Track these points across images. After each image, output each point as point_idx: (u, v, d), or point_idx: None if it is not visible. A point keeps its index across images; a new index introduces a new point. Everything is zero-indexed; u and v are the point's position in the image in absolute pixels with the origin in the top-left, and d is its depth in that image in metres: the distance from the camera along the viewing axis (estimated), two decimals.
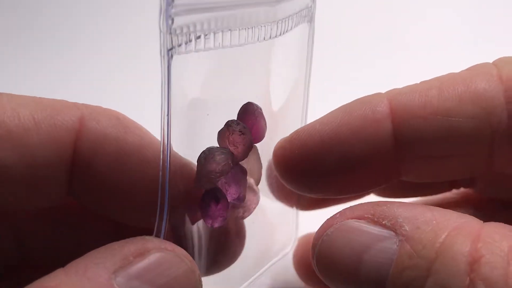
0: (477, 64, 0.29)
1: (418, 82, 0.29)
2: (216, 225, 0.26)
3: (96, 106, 0.27)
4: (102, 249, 0.24)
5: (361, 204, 0.26)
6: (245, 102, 0.27)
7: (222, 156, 0.25)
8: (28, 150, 0.25)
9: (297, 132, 0.29)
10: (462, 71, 0.28)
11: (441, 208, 0.24)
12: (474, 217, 0.23)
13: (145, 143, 0.26)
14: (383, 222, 0.24)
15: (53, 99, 0.26)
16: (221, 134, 0.26)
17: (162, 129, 0.23)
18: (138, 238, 0.25)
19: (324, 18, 0.34)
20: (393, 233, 0.23)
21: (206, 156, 0.25)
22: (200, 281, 0.25)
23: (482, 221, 0.23)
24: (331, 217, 0.26)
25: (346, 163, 0.28)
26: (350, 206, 0.26)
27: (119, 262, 0.23)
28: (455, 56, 0.30)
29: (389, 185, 0.30)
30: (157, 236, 0.25)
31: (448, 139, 0.27)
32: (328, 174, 0.28)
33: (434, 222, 0.23)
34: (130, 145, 0.26)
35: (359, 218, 0.25)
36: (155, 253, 0.24)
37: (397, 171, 0.29)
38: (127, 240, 0.24)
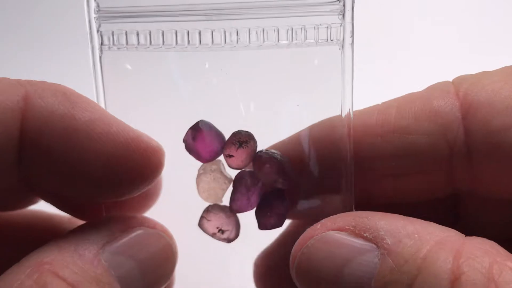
0: (435, 83, 0.28)
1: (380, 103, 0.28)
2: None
3: (41, 82, 0.25)
4: (90, 224, 0.26)
5: (343, 214, 0.25)
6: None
7: None
8: None
9: None
10: (420, 90, 0.28)
11: (423, 221, 0.23)
12: (456, 231, 0.23)
13: (94, 118, 0.25)
14: (365, 235, 0.23)
15: None
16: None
17: None
18: (122, 215, 0.27)
19: None
20: (375, 246, 0.23)
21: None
22: (177, 253, 0.28)
23: (464, 235, 0.22)
24: (311, 228, 0.26)
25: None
26: (331, 217, 0.26)
27: (106, 238, 0.25)
28: (454, 62, 0.27)
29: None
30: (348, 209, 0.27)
31: (406, 156, 0.27)
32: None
33: (416, 235, 0.22)
34: (79, 121, 0.24)
35: (340, 229, 0.24)
36: (137, 230, 0.26)
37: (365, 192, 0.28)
38: (111, 216, 0.27)
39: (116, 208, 0.29)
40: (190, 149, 0.29)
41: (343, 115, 0.27)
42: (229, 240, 0.30)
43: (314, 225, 0.25)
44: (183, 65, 0.29)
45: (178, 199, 0.31)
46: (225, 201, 0.30)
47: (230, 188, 0.30)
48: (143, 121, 0.29)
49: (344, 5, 0.26)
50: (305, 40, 0.27)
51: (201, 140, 0.28)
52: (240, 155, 0.28)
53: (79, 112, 0.25)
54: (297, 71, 0.28)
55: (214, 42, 0.28)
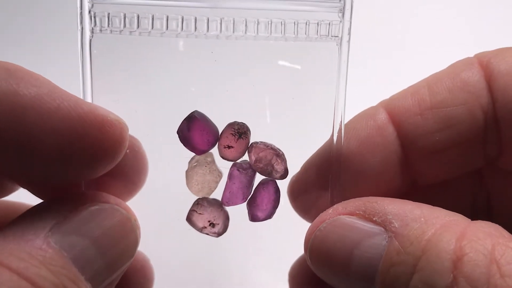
0: (457, 61, 0.30)
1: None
2: None
3: None
4: (37, 207, 0.24)
5: (354, 200, 0.26)
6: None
7: None
8: None
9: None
10: (444, 68, 0.30)
11: (430, 206, 0.25)
12: (462, 215, 0.24)
13: (42, 93, 0.23)
14: (374, 219, 0.24)
15: None
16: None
17: None
18: (72, 194, 0.25)
19: None
20: (383, 230, 0.24)
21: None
22: (137, 226, 0.26)
23: (469, 220, 0.24)
24: (324, 212, 0.27)
25: (360, 175, 0.29)
26: (343, 202, 0.27)
27: (54, 220, 0.23)
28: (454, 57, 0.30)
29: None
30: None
31: (446, 129, 0.28)
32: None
33: (423, 219, 0.23)
34: (25, 97, 0.23)
35: (351, 214, 0.25)
36: (89, 207, 0.25)
37: (410, 175, 0.29)
38: (62, 197, 0.25)
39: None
40: (185, 140, 0.28)
41: (336, 110, 0.28)
42: (218, 234, 0.29)
43: (327, 210, 0.26)
44: (176, 52, 0.28)
45: (163, 193, 0.30)
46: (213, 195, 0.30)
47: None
48: (130, 107, 0.28)
49: (344, 4, 0.27)
50: (308, 35, 0.27)
51: (197, 130, 0.28)
52: (239, 146, 0.28)
53: (24, 87, 0.23)
54: (294, 64, 0.29)
55: (210, 30, 0.27)
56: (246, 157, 0.29)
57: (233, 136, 0.28)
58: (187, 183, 0.29)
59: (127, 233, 0.26)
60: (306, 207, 0.30)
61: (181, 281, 0.31)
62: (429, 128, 0.28)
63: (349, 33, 0.28)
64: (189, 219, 0.29)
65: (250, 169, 0.29)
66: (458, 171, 0.30)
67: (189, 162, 0.29)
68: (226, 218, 0.29)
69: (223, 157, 0.29)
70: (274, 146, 0.29)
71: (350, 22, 0.28)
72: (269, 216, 0.29)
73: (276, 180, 0.29)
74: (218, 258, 0.32)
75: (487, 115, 0.28)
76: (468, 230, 0.22)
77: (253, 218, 0.29)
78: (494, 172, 0.30)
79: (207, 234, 0.29)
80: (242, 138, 0.28)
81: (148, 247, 0.29)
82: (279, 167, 0.29)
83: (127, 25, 0.27)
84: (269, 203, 0.29)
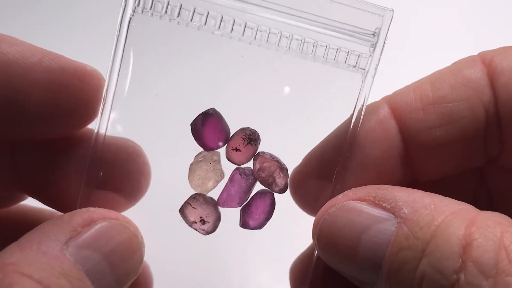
0: (460, 59, 0.30)
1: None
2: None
3: None
4: (51, 222, 0.25)
5: (364, 187, 0.27)
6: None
7: None
8: None
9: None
10: (446, 66, 0.30)
11: (440, 195, 0.25)
12: (471, 205, 0.24)
13: (23, 50, 0.25)
14: (383, 205, 0.25)
15: None
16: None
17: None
18: (84, 209, 0.26)
19: None
20: (392, 216, 0.24)
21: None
22: (143, 244, 0.27)
23: (478, 209, 0.24)
24: (334, 198, 0.27)
25: (361, 168, 0.29)
26: (353, 189, 0.27)
27: (69, 234, 0.24)
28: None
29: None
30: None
31: (448, 124, 0.28)
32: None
33: (432, 206, 0.23)
34: (8, 55, 0.24)
35: (361, 199, 0.26)
36: (101, 223, 0.26)
37: (410, 170, 0.29)
38: (73, 212, 0.26)
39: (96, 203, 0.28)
40: (196, 133, 0.28)
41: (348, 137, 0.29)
42: (207, 232, 0.30)
43: (337, 196, 0.27)
44: (208, 49, 0.29)
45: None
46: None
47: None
48: (151, 90, 0.29)
49: (377, 41, 0.28)
50: (336, 61, 0.28)
51: (210, 127, 0.28)
52: (247, 152, 0.29)
53: (7, 46, 0.25)
54: (317, 86, 0.30)
55: (244, 35, 0.28)
56: (250, 164, 0.30)
57: (243, 141, 0.28)
58: (189, 176, 0.29)
59: (135, 250, 0.27)
60: (306, 199, 0.30)
61: (180, 282, 0.31)
62: (431, 123, 0.28)
63: (376, 69, 0.28)
64: (182, 210, 0.29)
65: (252, 176, 0.29)
66: (459, 168, 0.30)
67: (196, 156, 0.29)
68: (218, 218, 0.30)
69: (228, 159, 0.29)
70: (280, 159, 0.29)
71: (379, 59, 0.28)
72: (260, 226, 0.30)
73: (274, 194, 0.30)
74: (218, 259, 0.32)
75: (488, 112, 0.28)
76: (478, 218, 0.23)
77: (244, 224, 0.30)
78: (495, 170, 0.30)
79: (196, 229, 0.30)
80: (251, 145, 0.29)
81: (147, 247, 0.30)
82: (280, 181, 0.29)
83: (168, 12, 0.27)
84: (263, 214, 0.29)
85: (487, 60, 0.28)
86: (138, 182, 0.30)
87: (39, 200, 0.30)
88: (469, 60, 0.29)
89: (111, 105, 0.27)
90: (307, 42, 0.28)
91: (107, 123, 0.28)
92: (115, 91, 0.27)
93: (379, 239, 0.24)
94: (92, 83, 0.26)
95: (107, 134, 0.28)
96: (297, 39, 0.28)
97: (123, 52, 0.27)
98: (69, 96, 0.25)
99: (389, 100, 0.29)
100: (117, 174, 0.29)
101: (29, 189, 0.29)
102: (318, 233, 0.26)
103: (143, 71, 0.28)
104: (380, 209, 0.25)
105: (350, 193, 0.26)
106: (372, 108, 0.29)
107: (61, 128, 0.27)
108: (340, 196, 0.26)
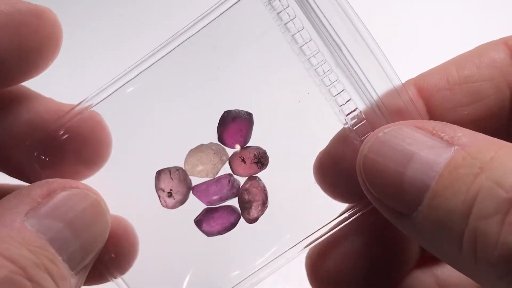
0: (481, 44, 0.31)
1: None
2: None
3: None
4: (11, 196, 0.26)
5: (423, 121, 0.27)
6: None
7: None
8: None
9: None
10: (469, 50, 0.30)
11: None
12: None
13: None
14: (441, 135, 0.24)
15: None
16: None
17: None
18: (43, 181, 0.27)
19: None
20: (449, 145, 0.23)
21: None
22: (107, 210, 0.28)
23: None
24: (388, 124, 0.27)
25: None
26: (410, 121, 0.27)
27: (29, 205, 0.25)
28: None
29: None
30: None
31: (474, 103, 0.28)
32: None
33: (494, 140, 0.23)
34: None
35: (419, 127, 0.25)
36: (61, 192, 0.26)
37: None
38: (33, 184, 0.26)
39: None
40: (223, 125, 0.29)
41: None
42: (166, 206, 0.30)
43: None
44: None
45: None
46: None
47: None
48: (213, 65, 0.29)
49: None
50: None
51: (237, 127, 0.29)
52: (249, 168, 0.29)
53: None
54: None
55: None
56: (242, 180, 0.30)
57: (254, 157, 0.29)
58: (192, 150, 0.29)
59: (99, 216, 0.27)
60: (335, 182, 0.29)
61: (180, 281, 0.31)
62: (457, 102, 0.28)
63: None
64: (159, 173, 0.29)
65: (235, 190, 0.29)
66: None
67: (212, 143, 0.29)
68: (182, 201, 0.30)
69: (229, 162, 0.30)
70: (267, 194, 0.30)
71: None
72: (208, 234, 0.30)
73: (240, 219, 0.30)
74: (218, 259, 0.32)
75: None
76: None
77: (198, 222, 0.30)
78: None
79: (158, 196, 0.30)
80: (257, 166, 0.29)
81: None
82: (254, 212, 0.29)
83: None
84: (218, 226, 0.30)
85: (509, 43, 0.29)
86: (98, 150, 0.29)
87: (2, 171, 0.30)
88: (492, 43, 0.30)
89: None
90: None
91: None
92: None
93: (432, 160, 0.23)
94: (51, 20, 0.27)
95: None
96: None
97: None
98: (30, 34, 0.26)
99: (415, 82, 0.30)
100: (76, 143, 0.29)
101: None
102: (366, 153, 0.25)
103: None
104: (437, 138, 0.24)
105: (407, 122, 0.26)
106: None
107: (27, 69, 0.27)
108: (396, 122, 0.26)
